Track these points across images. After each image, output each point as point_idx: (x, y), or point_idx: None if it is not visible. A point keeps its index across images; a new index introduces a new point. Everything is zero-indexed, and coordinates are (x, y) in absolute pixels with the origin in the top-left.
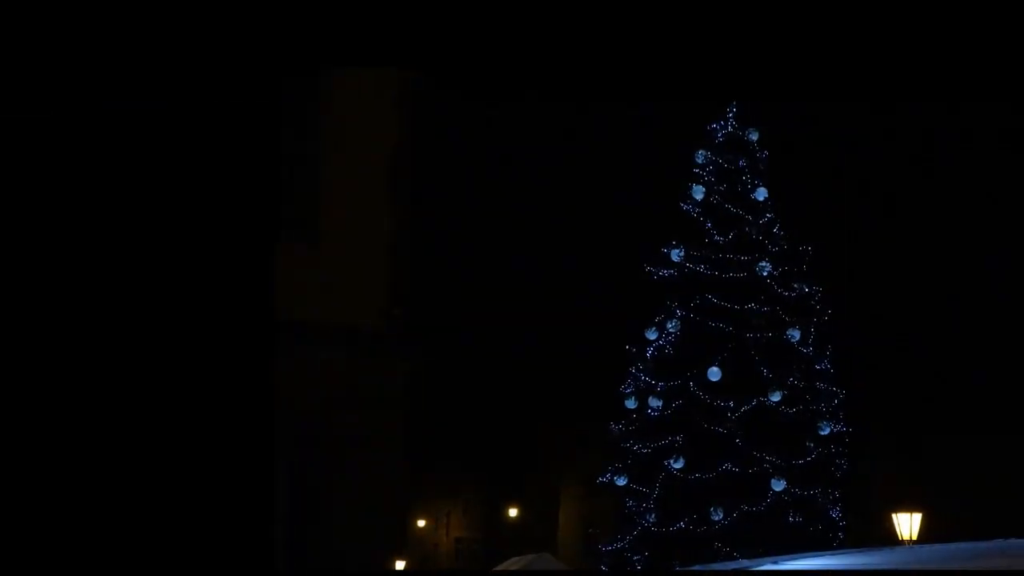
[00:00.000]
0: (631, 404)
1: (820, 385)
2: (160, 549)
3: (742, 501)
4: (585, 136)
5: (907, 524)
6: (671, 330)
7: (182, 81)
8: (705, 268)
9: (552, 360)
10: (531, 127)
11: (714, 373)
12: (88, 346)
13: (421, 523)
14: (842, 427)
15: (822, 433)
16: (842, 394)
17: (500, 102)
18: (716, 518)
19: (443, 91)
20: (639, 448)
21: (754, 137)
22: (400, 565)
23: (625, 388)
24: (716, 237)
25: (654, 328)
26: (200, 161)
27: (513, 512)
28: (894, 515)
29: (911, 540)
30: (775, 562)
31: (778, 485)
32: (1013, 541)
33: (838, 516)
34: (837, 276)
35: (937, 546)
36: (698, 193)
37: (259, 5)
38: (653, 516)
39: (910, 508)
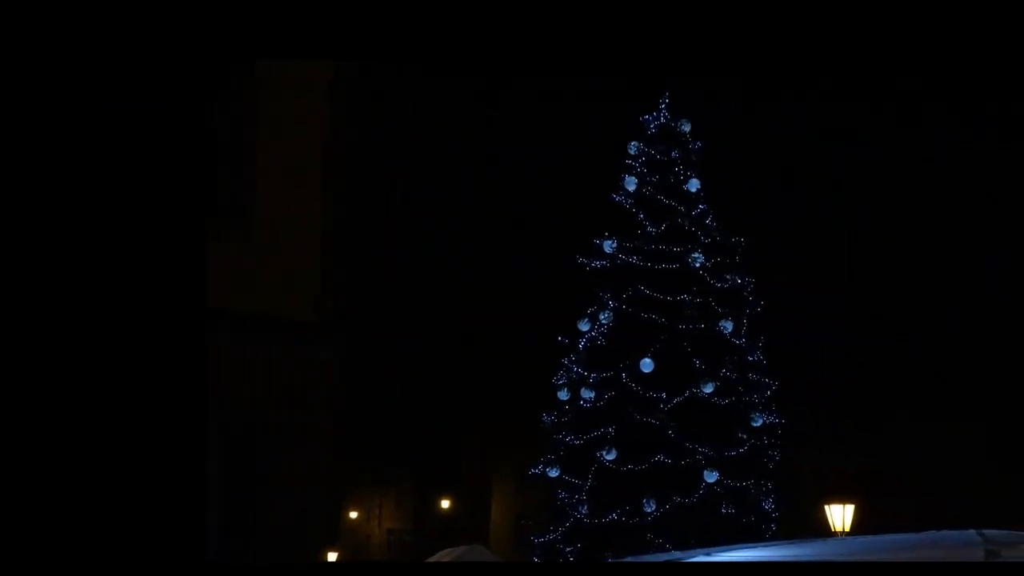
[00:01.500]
0: (563, 395)
1: (753, 376)
2: (90, 540)
3: (675, 493)
4: (517, 128)
5: (840, 515)
6: (603, 321)
7: (113, 69)
8: (638, 259)
9: (484, 351)
10: (464, 118)
11: (647, 364)
12: (15, 338)
13: (353, 514)
14: (775, 418)
15: (755, 424)
16: (775, 385)
17: (436, 88)
18: (648, 510)
19: (380, 82)
20: (571, 439)
21: (687, 128)
22: (332, 556)
23: (557, 379)
24: (649, 228)
25: (586, 319)
26: (131, 150)
27: (445, 503)
28: (827, 506)
29: (844, 531)
30: (708, 554)
31: (711, 476)
32: (946, 532)
33: (771, 507)
34: (770, 267)
35: (870, 537)
36: (631, 184)
37: None
38: (585, 508)
39: (843, 499)
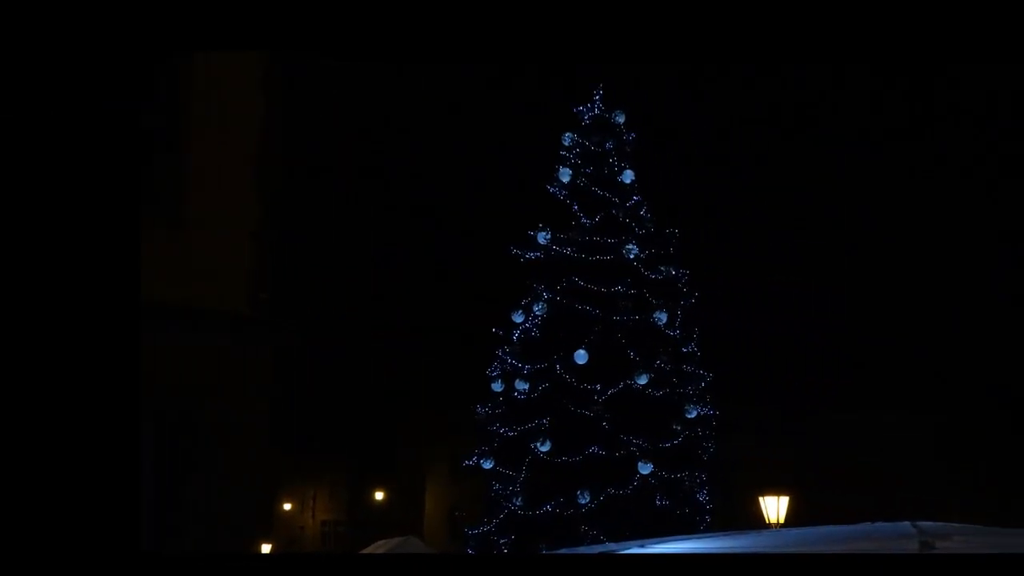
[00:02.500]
0: (497, 387)
1: (687, 368)
2: (25, 530)
3: (609, 484)
4: (452, 120)
5: (774, 507)
6: (538, 313)
7: (44, 63)
8: (572, 251)
9: (418, 342)
10: (399, 109)
11: (581, 356)
12: None
13: (287, 506)
14: (709, 410)
15: (689, 416)
16: (709, 377)
17: (365, 77)
18: (583, 501)
19: (312, 75)
20: (505, 431)
21: (621, 120)
22: (266, 548)
23: (491, 371)
24: (583, 220)
25: (521, 311)
26: (65, 145)
27: (379, 495)
28: (761, 498)
29: (778, 523)
30: (642, 545)
31: (645, 468)
32: (880, 524)
33: (705, 499)
34: (704, 258)
35: (804, 530)
36: (565, 176)
37: None
38: (519, 499)
39: (777, 491)
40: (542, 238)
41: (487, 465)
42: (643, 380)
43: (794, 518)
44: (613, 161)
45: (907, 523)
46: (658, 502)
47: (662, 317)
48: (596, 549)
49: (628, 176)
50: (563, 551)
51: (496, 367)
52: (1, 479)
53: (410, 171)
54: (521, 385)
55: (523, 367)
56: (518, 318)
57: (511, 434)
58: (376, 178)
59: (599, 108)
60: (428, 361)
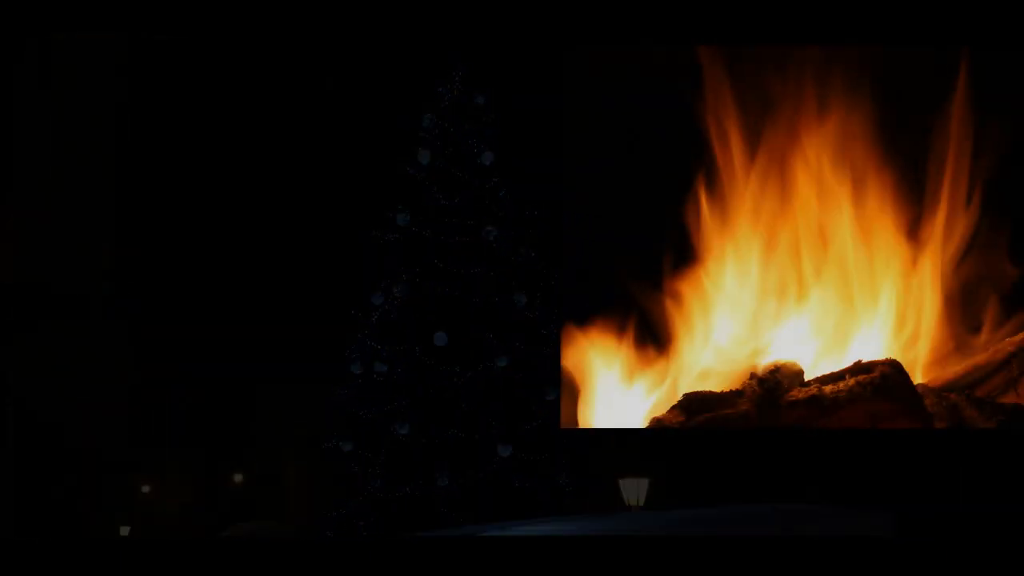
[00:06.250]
0: (356, 369)
1: (547, 350)
2: None
3: (468, 467)
4: (311, 100)
5: (634, 490)
6: (397, 294)
7: None
8: (431, 233)
9: (276, 323)
10: (255, 87)
11: (440, 338)
12: None
13: (145, 488)
14: None
15: (548, 398)
16: None
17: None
18: (442, 484)
19: (166, 56)
20: (364, 413)
21: (481, 101)
22: (124, 531)
23: (350, 353)
24: (442, 201)
25: (380, 293)
26: None
27: (237, 477)
28: (620, 480)
29: (638, 505)
30: (502, 528)
31: (504, 451)
32: (742, 507)
33: (565, 482)
34: (563, 239)
35: (666, 512)
36: (424, 157)
37: None
38: (379, 482)
39: (637, 473)
40: (401, 220)
41: (346, 447)
42: (503, 362)
43: (654, 500)
44: (473, 143)
45: (769, 506)
46: (518, 484)
47: (522, 299)
48: (456, 532)
49: (488, 158)
50: (423, 534)
51: (355, 349)
52: None
53: (268, 151)
54: (380, 367)
55: (382, 349)
56: (377, 300)
57: (370, 416)
58: (233, 159)
59: (459, 89)
60: (287, 342)
